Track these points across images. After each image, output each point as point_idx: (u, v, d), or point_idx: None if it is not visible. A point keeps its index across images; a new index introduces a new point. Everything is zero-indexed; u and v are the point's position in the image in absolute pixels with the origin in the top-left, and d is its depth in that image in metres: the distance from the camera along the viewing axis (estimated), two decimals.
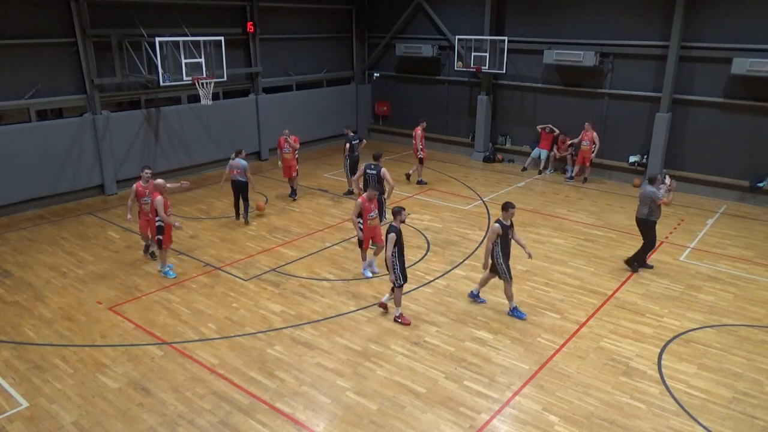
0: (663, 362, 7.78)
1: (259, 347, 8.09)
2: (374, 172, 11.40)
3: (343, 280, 10.16)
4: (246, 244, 11.71)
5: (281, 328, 8.60)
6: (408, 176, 16.29)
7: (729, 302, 9.47)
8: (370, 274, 10.28)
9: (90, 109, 14.34)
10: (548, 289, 9.89)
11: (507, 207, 8.70)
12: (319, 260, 10.98)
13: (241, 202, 12.80)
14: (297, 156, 14.39)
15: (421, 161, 15.83)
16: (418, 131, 15.70)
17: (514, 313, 8.92)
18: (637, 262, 10.48)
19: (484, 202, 14.56)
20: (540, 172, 17.17)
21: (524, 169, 17.48)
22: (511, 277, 8.81)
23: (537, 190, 15.72)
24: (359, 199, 9.69)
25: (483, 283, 9.30)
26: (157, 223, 9.93)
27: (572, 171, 16.63)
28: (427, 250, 11.43)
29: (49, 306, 9.24)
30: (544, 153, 17.11)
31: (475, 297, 9.40)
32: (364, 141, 15.52)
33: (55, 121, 13.93)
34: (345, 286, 9.96)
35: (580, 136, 15.90)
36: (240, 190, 12.66)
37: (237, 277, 10.30)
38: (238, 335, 8.40)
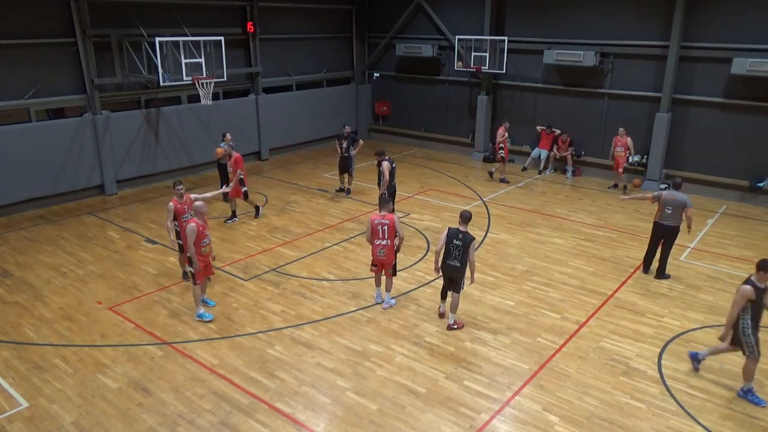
0: (663, 362, 7.78)
1: (259, 347, 8.09)
2: (461, 243, 10.44)
3: (343, 280, 10.16)
4: (246, 244, 11.71)
5: (281, 328, 8.60)
6: (491, 173, 16.64)
7: (729, 302, 9.38)
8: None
9: (90, 109, 14.34)
10: (548, 289, 9.89)
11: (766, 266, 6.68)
12: (319, 260, 10.98)
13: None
14: (241, 177, 12.52)
15: (502, 160, 16.06)
16: (500, 131, 15.92)
17: (748, 396, 7.02)
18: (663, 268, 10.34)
19: (484, 202, 14.56)
20: (540, 172, 17.17)
21: (524, 169, 17.45)
22: (759, 354, 6.94)
23: (537, 190, 15.72)
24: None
25: (714, 352, 7.48)
26: (188, 253, 8.53)
27: (572, 172, 16.65)
28: (427, 250, 11.43)
29: (49, 306, 9.24)
30: (544, 153, 17.11)
31: (695, 358, 7.61)
32: (361, 142, 15.10)
33: (55, 121, 13.93)
34: (345, 286, 9.96)
35: (613, 142, 15.25)
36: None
37: (237, 277, 10.30)
38: (238, 335, 8.40)
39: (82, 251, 11.38)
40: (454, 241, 8.29)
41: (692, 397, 7.09)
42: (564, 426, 6.57)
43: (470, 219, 8.38)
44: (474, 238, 8.29)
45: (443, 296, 8.88)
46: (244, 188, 12.60)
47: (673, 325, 8.73)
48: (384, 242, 8.77)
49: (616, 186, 15.77)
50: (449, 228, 8.41)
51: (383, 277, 9.18)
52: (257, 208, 13.25)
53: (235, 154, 12.61)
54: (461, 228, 8.26)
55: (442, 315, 8.89)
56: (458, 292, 8.46)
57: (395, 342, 8.23)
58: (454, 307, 8.54)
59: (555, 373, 7.55)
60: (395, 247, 8.86)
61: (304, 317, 8.91)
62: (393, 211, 9.15)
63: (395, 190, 12.14)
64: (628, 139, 15.09)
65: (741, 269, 10.69)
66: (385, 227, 8.70)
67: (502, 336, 8.40)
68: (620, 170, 15.35)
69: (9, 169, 13.01)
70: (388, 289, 9.17)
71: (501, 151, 15.95)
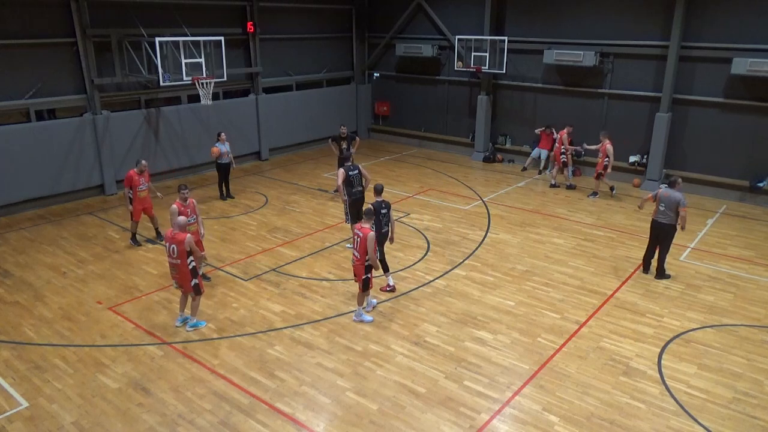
0: (663, 362, 7.78)
1: (259, 347, 8.09)
2: (356, 171, 10.92)
3: (343, 280, 10.16)
4: (246, 244, 11.71)
5: (281, 328, 8.60)
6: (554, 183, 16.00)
7: (729, 302, 9.47)
8: None
9: (90, 109, 14.34)
10: (548, 289, 9.89)
11: None
12: (319, 260, 10.98)
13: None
14: (130, 196, 11.43)
15: (564, 165, 15.65)
16: (563, 134, 15.51)
17: None
18: (661, 268, 10.29)
19: (484, 202, 14.56)
20: (540, 172, 17.15)
21: (524, 169, 17.47)
22: None
23: (537, 190, 15.71)
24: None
25: None
26: (190, 266, 8.20)
27: (572, 172, 16.63)
28: (427, 250, 11.43)
29: (49, 306, 9.24)
30: (544, 153, 17.10)
31: None
32: (357, 139, 15.09)
33: (55, 121, 13.92)
34: (345, 286, 9.95)
35: (598, 146, 14.65)
36: (225, 171, 14.37)
37: (237, 277, 10.30)
38: (238, 335, 8.40)
39: (82, 251, 11.38)
40: (381, 211, 9.36)
41: (692, 397, 7.09)
42: (564, 426, 6.57)
43: (383, 189, 9.67)
44: (389, 202, 9.62)
45: (387, 269, 9.80)
46: (131, 207, 11.37)
47: (673, 325, 8.73)
48: (356, 253, 8.49)
49: (595, 194, 15.00)
50: (372, 204, 9.27)
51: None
52: (134, 236, 11.69)
53: (129, 172, 11.30)
54: (378, 199, 9.41)
55: (394, 288, 9.73)
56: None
57: (395, 342, 8.23)
58: (387, 268, 9.80)
59: (555, 373, 7.54)
60: (366, 264, 8.44)
61: (304, 317, 8.91)
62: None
63: (358, 198, 11.11)
64: (608, 145, 14.34)
65: (741, 269, 10.70)
66: (358, 239, 8.41)
67: (502, 336, 8.40)
68: (600, 177, 14.74)
69: (9, 169, 13.02)
70: (359, 302, 8.80)
71: (563, 156, 15.59)
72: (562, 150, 15.52)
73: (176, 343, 8.18)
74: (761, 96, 13.95)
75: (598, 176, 14.78)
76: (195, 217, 9.63)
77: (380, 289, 9.64)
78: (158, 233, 11.82)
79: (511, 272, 10.51)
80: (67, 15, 13.58)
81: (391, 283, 9.73)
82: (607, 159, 14.44)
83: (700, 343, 8.24)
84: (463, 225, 12.86)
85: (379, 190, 9.55)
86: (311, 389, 7.19)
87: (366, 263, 8.42)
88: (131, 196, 11.24)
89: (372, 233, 8.30)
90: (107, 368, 7.60)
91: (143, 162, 11.37)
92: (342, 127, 14.86)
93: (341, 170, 10.98)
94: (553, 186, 15.77)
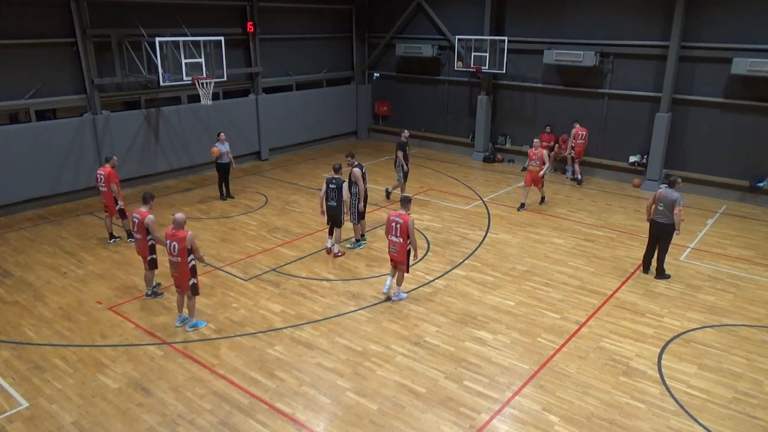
0: (663, 362, 7.78)
1: (259, 347, 8.09)
2: (335, 186, 10.60)
3: (343, 280, 10.16)
4: (246, 244, 11.71)
5: (281, 328, 8.60)
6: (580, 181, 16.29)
7: (729, 302, 9.47)
8: None
9: (90, 109, 14.34)
10: (548, 289, 9.89)
11: None
12: (319, 260, 10.98)
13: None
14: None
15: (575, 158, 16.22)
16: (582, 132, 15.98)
17: None
18: (662, 268, 10.28)
19: (484, 202, 14.56)
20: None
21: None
22: None
23: (537, 189, 15.68)
24: None
25: None
26: (190, 264, 8.17)
27: (572, 171, 16.63)
28: (427, 250, 11.43)
29: (49, 306, 9.24)
30: (544, 153, 17.06)
31: None
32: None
33: (55, 121, 13.93)
34: (345, 286, 9.96)
35: (528, 154, 13.91)
36: (225, 171, 14.36)
37: (237, 277, 10.30)
38: (238, 335, 8.40)
39: (82, 251, 11.38)
40: (330, 185, 10.42)
41: (692, 397, 7.09)
42: (564, 426, 6.57)
43: (340, 169, 10.73)
44: (345, 181, 10.55)
45: (331, 233, 11.02)
46: (119, 206, 11.34)
47: (673, 325, 8.73)
48: (396, 240, 8.94)
49: (523, 206, 13.86)
50: (327, 178, 10.60)
51: (396, 271, 9.40)
52: (130, 233, 11.58)
53: (108, 169, 11.23)
54: (335, 176, 10.54)
55: (329, 251, 11.04)
56: (339, 227, 10.86)
57: (395, 342, 8.23)
58: (337, 239, 10.97)
59: (555, 373, 7.54)
60: (408, 249, 8.96)
61: (304, 317, 8.91)
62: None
63: (367, 196, 11.58)
64: (544, 152, 13.63)
65: (741, 269, 10.70)
66: (398, 225, 8.88)
67: (502, 336, 8.40)
68: (538, 185, 13.85)
69: (9, 169, 13.01)
70: (398, 283, 9.35)
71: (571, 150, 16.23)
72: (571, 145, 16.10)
73: (176, 343, 8.18)
74: (761, 96, 13.95)
75: (542, 185, 14.00)
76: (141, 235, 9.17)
77: (333, 255, 10.99)
78: (111, 235, 11.79)
79: (511, 272, 10.51)
80: (67, 15, 13.58)
81: (336, 251, 10.96)
82: (544, 165, 13.67)
83: (700, 343, 8.25)
84: (463, 225, 12.86)
85: (336, 169, 10.75)
86: (311, 389, 7.19)
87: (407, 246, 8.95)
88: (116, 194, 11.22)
89: (412, 217, 8.86)
90: (107, 368, 7.60)
91: (115, 157, 11.62)
92: (404, 132, 14.12)
93: (357, 170, 11.05)
94: (580, 182, 16.18)
